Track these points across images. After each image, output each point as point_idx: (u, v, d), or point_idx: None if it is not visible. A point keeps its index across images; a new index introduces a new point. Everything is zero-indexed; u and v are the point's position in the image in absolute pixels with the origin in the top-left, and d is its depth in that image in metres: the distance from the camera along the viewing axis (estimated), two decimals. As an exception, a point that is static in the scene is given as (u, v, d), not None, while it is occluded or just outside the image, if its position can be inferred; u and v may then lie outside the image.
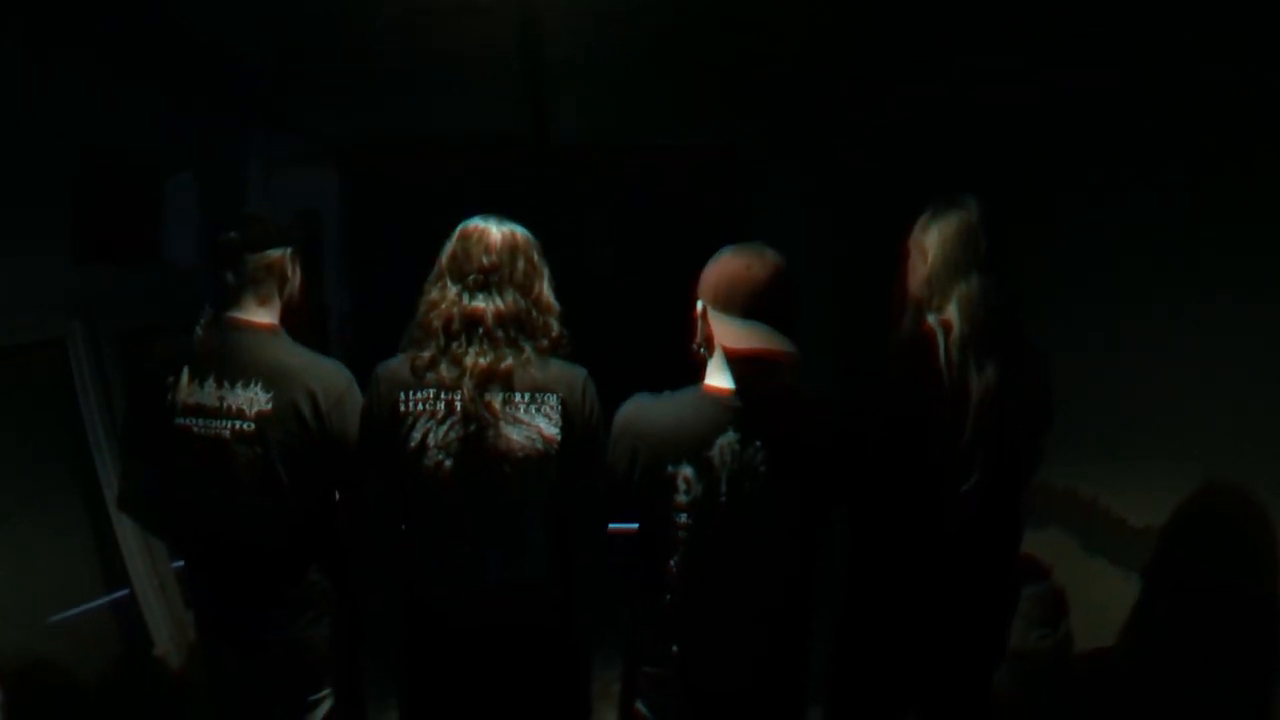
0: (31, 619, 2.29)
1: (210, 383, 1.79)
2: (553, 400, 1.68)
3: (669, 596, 1.65)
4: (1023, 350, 1.79)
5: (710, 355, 1.66)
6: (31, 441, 2.41)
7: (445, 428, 1.65)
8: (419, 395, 1.67)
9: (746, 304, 1.58)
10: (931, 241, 1.80)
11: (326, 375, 1.82)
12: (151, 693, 2.52)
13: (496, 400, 1.65)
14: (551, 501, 1.73)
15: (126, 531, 2.50)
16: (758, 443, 1.59)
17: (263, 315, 1.85)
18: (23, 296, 2.28)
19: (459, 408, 1.64)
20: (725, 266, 1.63)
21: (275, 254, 1.85)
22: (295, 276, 1.89)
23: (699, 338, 1.67)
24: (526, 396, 1.67)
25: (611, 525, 1.82)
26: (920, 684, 2.01)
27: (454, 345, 1.66)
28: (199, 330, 1.84)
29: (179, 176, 2.99)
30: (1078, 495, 2.53)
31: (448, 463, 1.65)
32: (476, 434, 1.64)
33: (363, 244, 3.78)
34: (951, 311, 1.76)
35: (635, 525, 1.76)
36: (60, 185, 2.45)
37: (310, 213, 3.36)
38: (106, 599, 2.54)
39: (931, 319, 1.79)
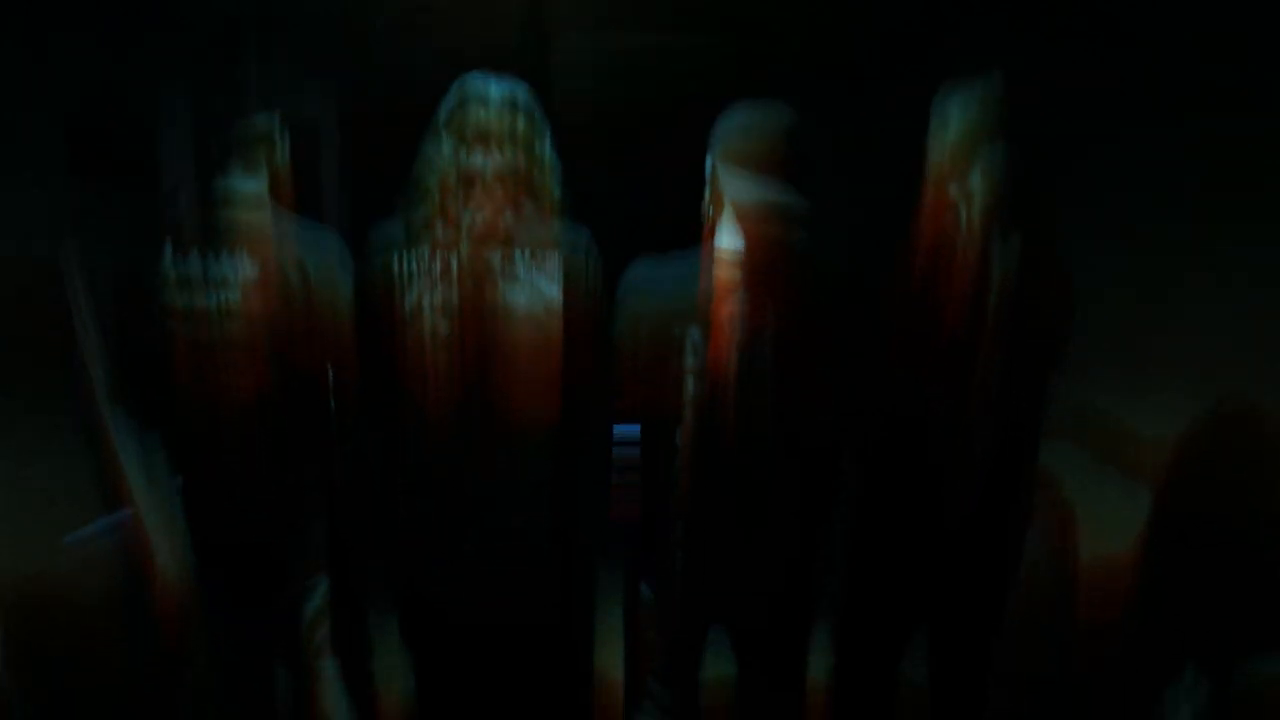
0: (29, 540, 2.24)
1: (194, 256, 1.73)
2: (554, 260, 1.60)
3: (674, 474, 1.58)
4: (1048, 226, 1.73)
5: (718, 216, 1.58)
6: (25, 363, 2.35)
7: (441, 288, 1.57)
8: (414, 255, 1.59)
9: (757, 158, 1.53)
10: (954, 107, 1.72)
11: (316, 243, 1.75)
12: (152, 610, 2.47)
13: (495, 259, 1.58)
14: (557, 383, 1.64)
15: (126, 446, 2.43)
16: (768, 303, 1.52)
17: (249, 185, 1.77)
18: (15, 215, 2.22)
19: (455, 267, 1.57)
20: (736, 120, 1.58)
21: (262, 120, 1.77)
22: (284, 144, 1.81)
23: (707, 198, 1.60)
24: (526, 255, 1.60)
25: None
26: (931, 601, 1.94)
27: (450, 203, 1.58)
28: (182, 202, 1.77)
29: (176, 101, 2.92)
30: (1091, 408, 2.45)
31: (444, 325, 1.57)
32: (474, 294, 1.57)
33: (364, 163, 3.67)
34: (974, 180, 1.69)
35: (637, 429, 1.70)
36: (56, 107, 2.39)
37: (311, 118, 3.24)
38: (106, 519, 2.49)
39: (953, 190, 1.71)
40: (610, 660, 1.83)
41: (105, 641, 2.31)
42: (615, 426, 1.76)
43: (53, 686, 2.14)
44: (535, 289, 1.59)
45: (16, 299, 2.28)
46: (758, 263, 1.54)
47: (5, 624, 1.96)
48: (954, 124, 1.73)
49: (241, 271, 1.72)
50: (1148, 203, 2.23)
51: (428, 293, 1.59)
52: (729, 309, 1.53)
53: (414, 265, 1.60)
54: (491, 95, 1.63)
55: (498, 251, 1.59)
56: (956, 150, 1.72)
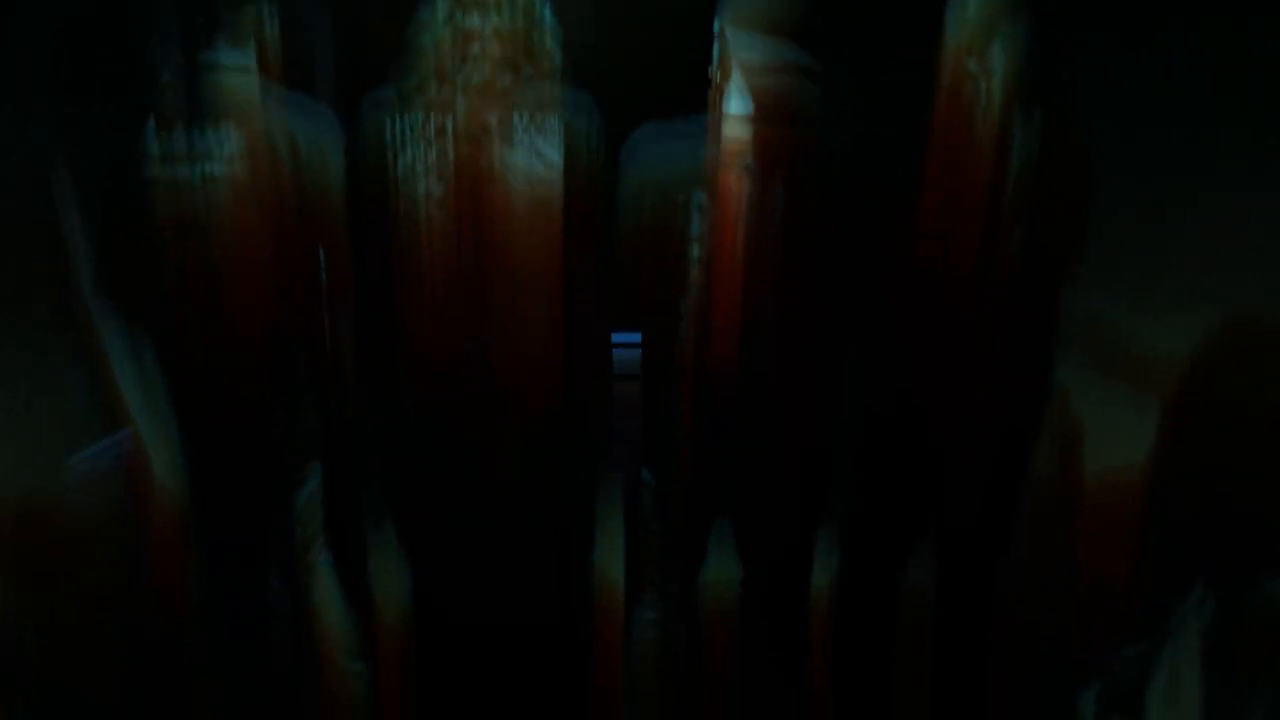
0: (29, 465, 2.16)
1: (179, 129, 1.67)
2: (553, 122, 1.55)
3: (679, 349, 1.53)
4: (1070, 104, 1.67)
5: (727, 79, 1.52)
6: (14, 284, 2.29)
7: (437, 151, 1.52)
8: (407, 120, 1.54)
9: (768, 19, 1.48)
10: None
11: (305, 116, 1.69)
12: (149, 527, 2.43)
13: (492, 121, 1.52)
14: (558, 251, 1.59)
15: (115, 348, 2.37)
16: (778, 171, 1.47)
17: (236, 57, 1.71)
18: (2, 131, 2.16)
19: (451, 129, 1.51)
20: None
21: None
22: (272, 15, 1.74)
23: (715, 61, 1.54)
24: (525, 118, 1.54)
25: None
26: (936, 508, 1.89)
27: (445, 65, 1.53)
28: (165, 75, 1.70)
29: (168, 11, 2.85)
30: (1102, 321, 2.41)
31: (439, 188, 1.52)
32: (470, 156, 1.52)
33: (356, 35, 3.58)
34: (994, 55, 1.63)
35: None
36: (43, 18, 2.32)
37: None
38: (104, 441, 2.46)
39: (972, 65, 1.65)
40: (611, 556, 1.78)
41: (104, 561, 2.27)
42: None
43: (52, 607, 2.11)
44: (534, 151, 1.54)
45: (11, 213, 2.22)
46: (767, 127, 1.48)
47: (4, 545, 1.92)
48: (974, -4, 1.67)
49: (228, 145, 1.67)
50: (1172, 97, 2.17)
51: (421, 156, 1.53)
52: (737, 174, 1.47)
53: (407, 129, 1.55)
54: None
55: (495, 113, 1.54)
56: (976, 24, 1.66)
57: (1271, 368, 2.01)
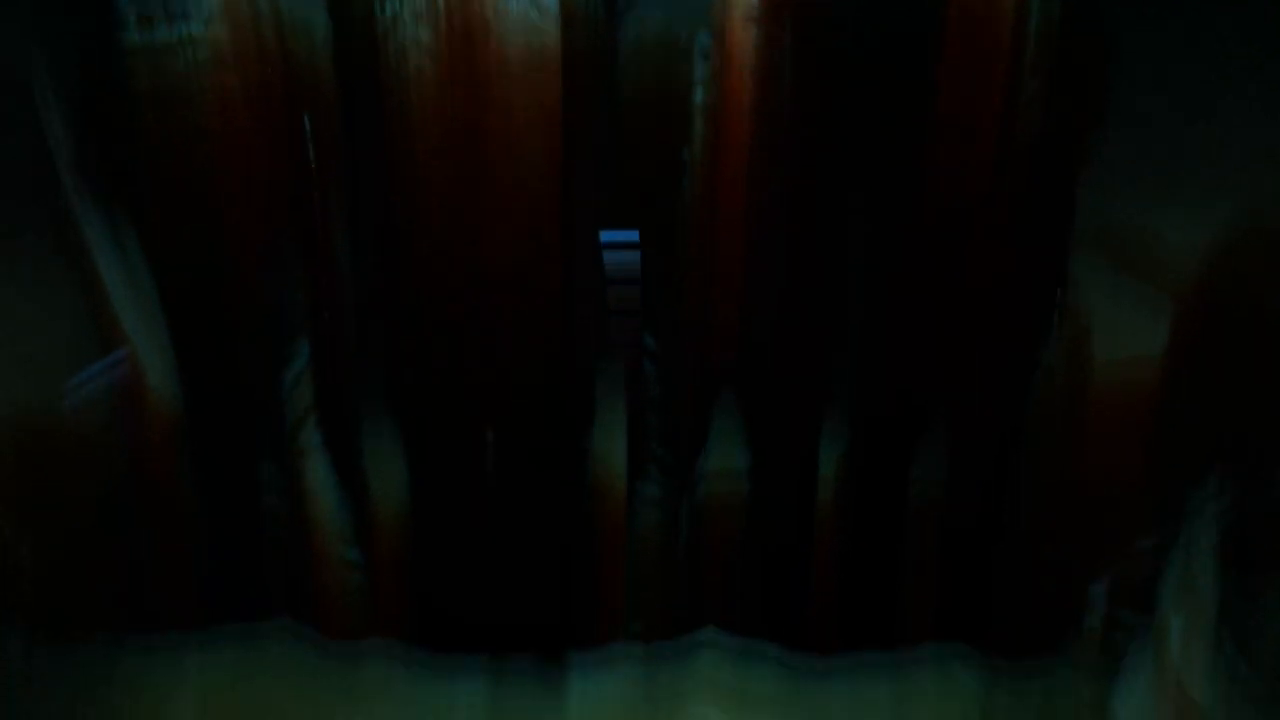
0: (24, 385, 2.10)
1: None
2: None
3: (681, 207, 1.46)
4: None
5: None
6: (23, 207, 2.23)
7: None
8: (394, -33, 1.45)
9: None
10: None
11: None
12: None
13: None
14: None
15: (100, 244, 2.31)
16: (785, 21, 1.39)
17: (213, -93, 1.62)
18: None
19: None
20: None
21: None
22: None
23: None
24: (518, -42, 1.46)
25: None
26: (944, 397, 1.84)
27: None
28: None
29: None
30: (1115, 216, 2.34)
31: (429, 37, 1.44)
32: (461, 1, 1.43)
33: None
34: None
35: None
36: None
37: None
38: (101, 363, 2.42)
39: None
40: (611, 440, 1.73)
41: (100, 473, 2.24)
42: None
43: (48, 522, 2.08)
44: None
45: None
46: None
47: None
48: None
49: (206, 3, 1.59)
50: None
51: (410, 1, 1.45)
52: (743, 24, 1.40)
53: (394, -23, 1.46)
54: None
55: None
56: None
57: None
